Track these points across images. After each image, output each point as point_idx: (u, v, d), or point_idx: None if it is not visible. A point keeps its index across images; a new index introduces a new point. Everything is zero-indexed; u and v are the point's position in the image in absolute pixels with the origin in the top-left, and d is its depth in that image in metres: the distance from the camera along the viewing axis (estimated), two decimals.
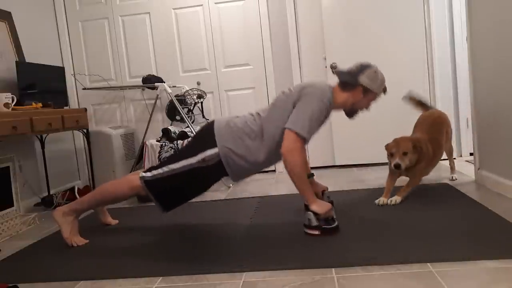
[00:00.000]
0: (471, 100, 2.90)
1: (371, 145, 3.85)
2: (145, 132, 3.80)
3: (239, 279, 1.67)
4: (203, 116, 3.99)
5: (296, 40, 3.95)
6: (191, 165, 2.16)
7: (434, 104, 3.72)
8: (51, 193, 3.51)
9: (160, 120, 4.14)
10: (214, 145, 2.16)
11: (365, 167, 3.86)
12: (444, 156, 2.96)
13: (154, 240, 2.26)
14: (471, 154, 3.74)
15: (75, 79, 4.19)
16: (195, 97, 3.74)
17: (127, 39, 4.13)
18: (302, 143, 2.08)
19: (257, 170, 2.26)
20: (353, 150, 3.94)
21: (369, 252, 1.79)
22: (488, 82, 2.62)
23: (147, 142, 3.60)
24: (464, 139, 3.86)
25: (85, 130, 3.61)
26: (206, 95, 3.85)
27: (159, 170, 2.20)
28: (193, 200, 3.14)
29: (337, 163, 4.01)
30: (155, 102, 3.85)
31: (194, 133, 2.48)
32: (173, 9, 4.04)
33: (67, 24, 4.17)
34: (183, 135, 3.60)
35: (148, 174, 2.22)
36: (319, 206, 2.08)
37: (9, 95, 2.79)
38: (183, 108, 3.65)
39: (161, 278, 1.75)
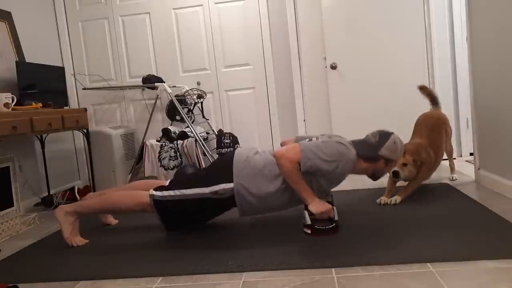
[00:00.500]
0: (471, 100, 2.89)
1: None
2: (145, 132, 3.79)
3: (239, 279, 1.67)
4: (203, 116, 3.99)
5: (296, 40, 3.95)
6: (204, 194, 2.17)
7: None
8: (51, 193, 3.51)
9: (160, 120, 4.14)
10: (230, 179, 2.16)
11: None
12: (444, 156, 2.96)
13: (154, 240, 2.26)
14: (471, 154, 3.74)
15: (75, 79, 4.19)
16: (195, 97, 3.74)
17: (127, 39, 4.13)
18: (296, 160, 2.08)
19: (268, 211, 2.27)
20: None
21: (369, 252, 1.79)
22: (488, 82, 2.62)
23: (147, 142, 3.60)
24: (464, 139, 3.86)
25: (85, 130, 3.61)
26: (206, 95, 3.85)
27: (171, 193, 2.20)
28: None
29: None
30: (155, 102, 3.85)
31: (212, 161, 2.48)
32: (173, 9, 4.04)
33: (67, 24, 4.17)
34: (183, 135, 3.60)
35: (159, 193, 2.21)
36: (315, 206, 2.08)
37: (9, 95, 2.79)
38: (183, 108, 3.65)
39: (161, 278, 1.75)
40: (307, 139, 2.24)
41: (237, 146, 3.58)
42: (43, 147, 3.53)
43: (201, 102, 3.90)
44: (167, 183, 2.30)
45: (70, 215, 2.28)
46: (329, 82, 3.91)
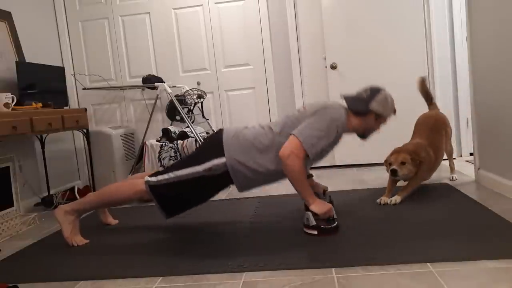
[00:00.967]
0: (471, 100, 2.90)
1: (371, 145, 3.85)
2: (145, 132, 3.80)
3: (239, 279, 1.67)
4: (203, 116, 3.99)
5: (296, 40, 3.95)
6: (197, 173, 2.15)
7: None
8: (51, 193, 3.51)
9: (160, 120, 4.14)
10: (221, 154, 2.15)
11: (365, 167, 3.86)
12: (444, 156, 2.96)
13: (154, 240, 2.26)
14: (471, 154, 3.74)
15: (75, 79, 4.19)
16: (195, 97, 3.74)
17: (127, 39, 4.13)
18: (303, 153, 2.06)
19: (263, 183, 2.26)
20: (353, 150, 3.94)
21: (369, 252, 1.79)
22: (488, 82, 2.62)
23: (147, 142, 3.60)
24: (464, 139, 3.86)
25: (85, 130, 3.61)
26: (206, 95, 3.85)
27: (165, 176, 2.19)
28: None
29: (337, 163, 4.01)
30: (155, 102, 3.85)
31: (202, 141, 2.48)
32: (173, 9, 4.04)
33: (67, 24, 4.17)
34: (183, 135, 3.60)
35: (153, 178, 2.21)
36: (318, 206, 2.08)
37: (9, 95, 2.79)
38: (183, 108, 3.65)
39: (161, 278, 1.75)
40: (294, 118, 2.20)
41: None
42: (43, 147, 3.53)
43: (201, 102, 3.90)
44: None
45: (70, 214, 2.28)
46: (329, 82, 3.91)
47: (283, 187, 3.31)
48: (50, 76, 3.52)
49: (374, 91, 2.26)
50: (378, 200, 2.56)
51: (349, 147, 3.94)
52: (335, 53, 3.88)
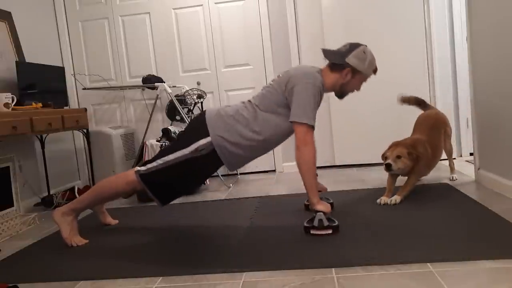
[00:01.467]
0: (471, 100, 2.90)
1: (371, 145, 3.85)
2: (145, 132, 3.80)
3: (239, 279, 1.67)
4: None
5: (296, 40, 3.95)
6: (185, 155, 2.15)
7: (434, 104, 3.72)
8: (51, 193, 3.51)
9: (160, 120, 4.14)
10: (206, 134, 2.16)
11: (365, 167, 3.86)
12: (444, 156, 2.97)
13: (154, 240, 2.26)
14: (471, 154, 3.74)
15: (75, 79, 4.19)
16: (195, 97, 3.74)
17: (127, 39, 4.13)
18: (312, 132, 2.12)
19: (252, 157, 2.26)
20: (353, 150, 3.94)
21: (369, 252, 1.79)
22: (488, 82, 2.62)
23: (147, 142, 3.60)
24: (464, 139, 3.85)
25: (85, 130, 3.61)
26: (206, 95, 3.85)
27: (154, 163, 2.20)
28: (193, 199, 3.15)
29: (337, 163, 4.01)
30: (155, 102, 3.85)
31: (187, 125, 2.48)
32: (173, 9, 4.04)
33: (67, 24, 4.17)
34: None
35: (143, 168, 2.22)
36: (323, 206, 2.12)
37: (9, 95, 2.79)
38: (183, 108, 3.65)
39: (161, 278, 1.75)
40: (272, 87, 2.22)
41: None
42: (43, 147, 3.53)
43: (201, 102, 3.90)
44: None
45: (67, 214, 2.28)
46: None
47: (283, 187, 3.31)
48: (50, 76, 3.52)
49: (354, 46, 2.25)
50: (378, 200, 2.56)
51: (349, 147, 3.95)
52: None
